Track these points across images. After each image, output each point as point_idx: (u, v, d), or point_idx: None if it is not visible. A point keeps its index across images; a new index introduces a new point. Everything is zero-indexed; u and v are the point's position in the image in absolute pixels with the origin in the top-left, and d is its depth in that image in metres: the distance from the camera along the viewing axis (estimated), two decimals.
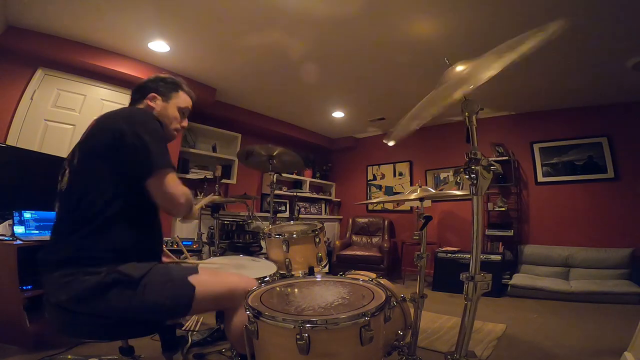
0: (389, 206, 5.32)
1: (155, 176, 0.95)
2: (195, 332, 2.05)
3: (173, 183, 0.98)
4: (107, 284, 0.89)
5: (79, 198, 0.94)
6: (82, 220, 0.93)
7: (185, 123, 1.28)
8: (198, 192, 3.98)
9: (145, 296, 0.92)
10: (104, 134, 0.98)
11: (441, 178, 4.96)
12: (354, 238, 5.17)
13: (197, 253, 2.86)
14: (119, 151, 0.94)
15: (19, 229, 1.93)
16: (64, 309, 0.92)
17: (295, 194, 4.84)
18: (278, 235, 1.54)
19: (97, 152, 0.97)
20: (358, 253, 4.54)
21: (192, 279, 1.00)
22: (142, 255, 1.00)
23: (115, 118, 1.01)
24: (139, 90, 1.21)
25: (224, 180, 4.07)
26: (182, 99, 1.25)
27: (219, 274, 1.13)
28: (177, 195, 0.99)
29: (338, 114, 4.73)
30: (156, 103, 1.19)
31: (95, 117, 1.07)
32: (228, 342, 1.80)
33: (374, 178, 5.70)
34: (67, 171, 1.02)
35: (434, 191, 1.73)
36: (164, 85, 1.22)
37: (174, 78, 1.27)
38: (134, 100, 1.21)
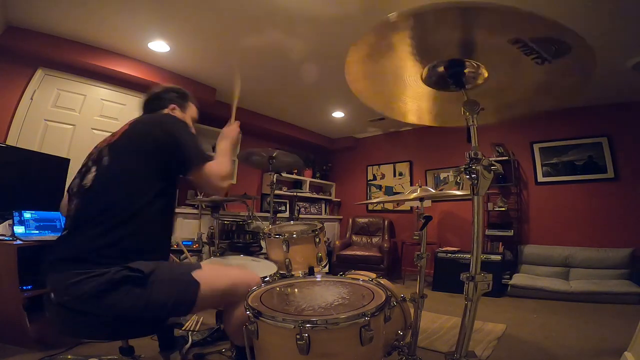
0: (389, 206, 5.32)
1: (194, 170, 1.03)
2: (195, 332, 2.05)
3: (212, 172, 1.05)
4: (116, 281, 0.89)
5: (107, 196, 0.97)
6: (104, 218, 0.94)
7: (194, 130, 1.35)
8: (198, 192, 3.98)
9: (152, 293, 0.92)
10: (139, 137, 1.05)
11: (441, 178, 4.95)
12: (354, 238, 5.17)
13: (197, 253, 2.86)
14: (155, 153, 1.01)
15: (19, 229, 1.93)
16: (67, 308, 0.92)
17: (295, 194, 4.84)
18: (278, 235, 1.54)
19: (130, 154, 1.02)
20: (358, 253, 4.54)
21: (196, 274, 1.00)
22: (156, 253, 1.02)
23: (149, 123, 1.10)
24: (156, 102, 1.28)
25: None
26: (193, 110, 1.35)
27: (222, 268, 1.14)
28: (219, 183, 1.05)
29: (338, 114, 4.74)
30: (175, 114, 1.26)
31: (128, 121, 1.13)
32: (228, 342, 1.80)
33: (374, 178, 5.70)
34: (93, 169, 1.03)
35: (434, 191, 1.73)
36: (178, 96, 1.30)
37: (182, 89, 1.34)
38: (151, 111, 1.26)
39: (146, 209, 0.98)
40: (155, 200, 1.01)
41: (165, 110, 1.25)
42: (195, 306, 0.98)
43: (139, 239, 0.97)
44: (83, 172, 1.05)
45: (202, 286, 0.97)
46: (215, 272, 1.07)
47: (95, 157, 1.06)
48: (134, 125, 1.09)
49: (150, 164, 1.01)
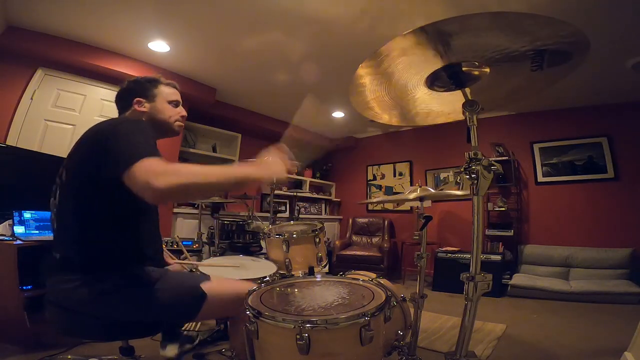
0: (389, 206, 5.32)
1: (124, 174, 0.82)
2: (195, 332, 2.05)
3: (142, 169, 0.81)
4: (116, 288, 0.90)
5: (72, 212, 0.94)
6: (79, 230, 0.93)
7: (184, 112, 1.25)
8: None
9: (154, 301, 0.93)
10: (82, 147, 0.97)
11: (441, 178, 4.95)
12: (354, 238, 5.17)
13: (197, 253, 2.86)
14: (95, 160, 0.90)
15: (19, 229, 1.94)
16: (66, 309, 0.92)
17: (295, 194, 4.83)
18: (278, 235, 1.54)
19: (78, 165, 0.96)
20: (358, 253, 4.54)
21: (205, 286, 1.01)
22: (142, 258, 1.01)
23: (93, 130, 0.99)
24: (121, 99, 1.19)
25: None
26: (166, 92, 1.22)
27: (229, 281, 1.13)
28: (149, 180, 0.78)
29: (338, 114, 4.73)
30: (144, 106, 1.16)
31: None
32: (228, 342, 1.80)
33: (374, 178, 5.70)
34: (57, 187, 1.01)
35: (433, 191, 1.73)
36: (142, 85, 1.19)
37: (149, 77, 1.23)
38: (119, 110, 1.20)
39: (109, 217, 0.94)
40: (116, 207, 0.94)
41: (132, 107, 1.16)
42: (198, 315, 0.99)
43: (118, 247, 0.95)
44: (54, 191, 1.03)
45: (209, 298, 0.99)
46: (223, 285, 1.07)
47: (58, 174, 1.03)
48: (81, 135, 1.02)
49: (94, 172, 0.90)
